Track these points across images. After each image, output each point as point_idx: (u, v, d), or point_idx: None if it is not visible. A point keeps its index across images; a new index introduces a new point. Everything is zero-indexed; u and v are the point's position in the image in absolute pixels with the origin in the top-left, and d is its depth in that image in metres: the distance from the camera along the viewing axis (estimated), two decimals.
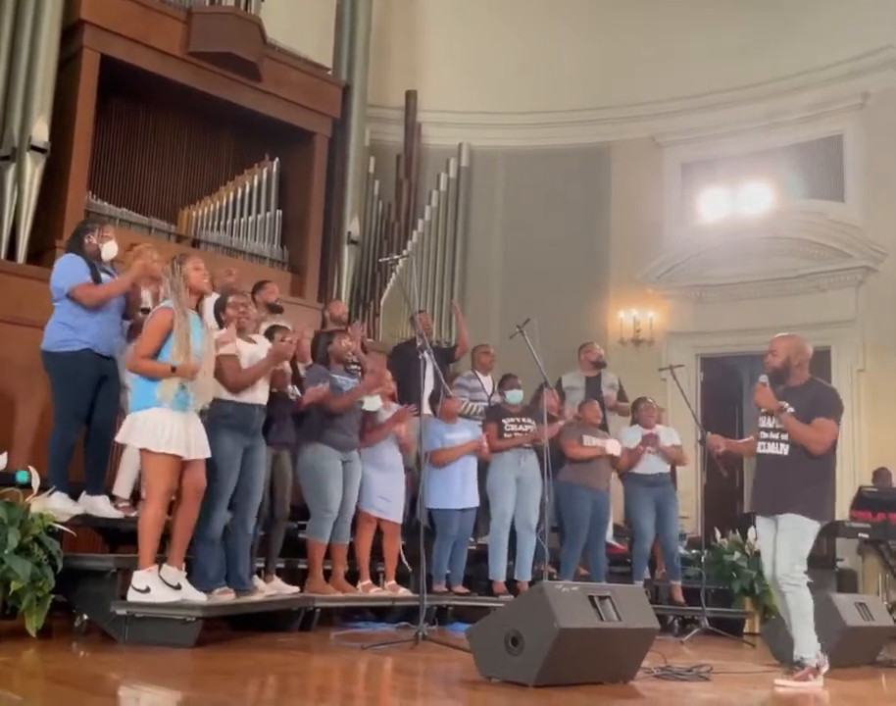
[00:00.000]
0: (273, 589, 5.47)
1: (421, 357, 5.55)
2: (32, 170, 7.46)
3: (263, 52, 8.82)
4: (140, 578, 4.47)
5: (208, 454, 4.70)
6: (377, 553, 6.36)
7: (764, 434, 4.80)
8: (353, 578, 6.13)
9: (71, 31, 7.83)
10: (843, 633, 5.11)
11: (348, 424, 5.96)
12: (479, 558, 6.94)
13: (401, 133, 11.05)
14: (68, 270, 5.11)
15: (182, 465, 4.56)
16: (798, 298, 9.83)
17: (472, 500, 6.68)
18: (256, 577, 5.45)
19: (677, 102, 10.58)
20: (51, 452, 5.01)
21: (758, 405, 4.82)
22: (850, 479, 9.27)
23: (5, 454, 4.50)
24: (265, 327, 5.72)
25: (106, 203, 8.25)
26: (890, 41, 9.69)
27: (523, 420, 6.91)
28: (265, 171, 9.29)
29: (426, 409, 6.62)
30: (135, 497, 5.40)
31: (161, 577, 4.53)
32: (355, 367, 6.59)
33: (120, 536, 5.56)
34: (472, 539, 6.87)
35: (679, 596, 7.36)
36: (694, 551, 7.79)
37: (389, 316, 10.10)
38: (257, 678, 3.86)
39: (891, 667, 5.33)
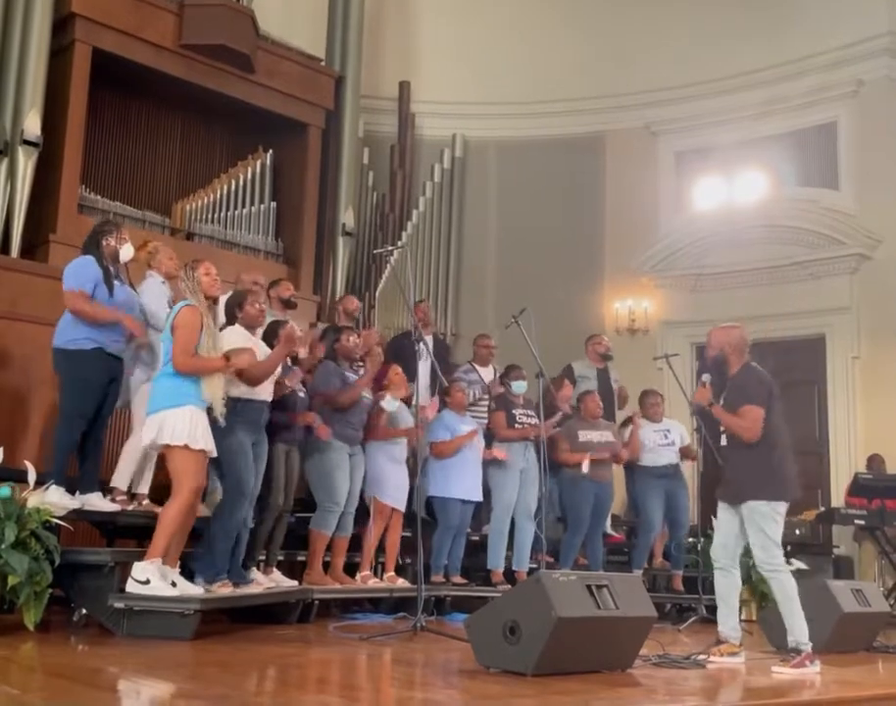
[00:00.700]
0: (271, 582, 5.48)
1: (417, 348, 5.55)
2: (25, 164, 7.44)
3: (256, 44, 8.80)
4: (141, 569, 4.47)
5: (215, 454, 4.72)
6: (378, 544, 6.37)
7: (721, 428, 4.91)
8: (350, 569, 6.14)
9: (62, 24, 7.80)
10: (839, 620, 5.14)
11: (355, 417, 5.98)
12: (477, 548, 6.95)
13: (395, 124, 11.03)
14: (78, 271, 5.09)
15: None
16: (793, 286, 9.85)
17: (476, 495, 6.68)
18: (255, 569, 5.47)
19: (671, 91, 10.57)
20: (57, 448, 5.00)
21: (695, 403, 5.01)
22: (845, 465, 9.31)
23: (0, 448, 4.49)
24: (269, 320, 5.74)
25: (99, 197, 8.23)
26: (884, 29, 9.70)
27: (529, 411, 6.91)
28: (258, 163, 9.27)
29: (424, 400, 6.63)
30: (130, 492, 5.40)
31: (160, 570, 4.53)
32: (360, 364, 6.61)
33: (117, 530, 5.56)
34: (469, 529, 6.87)
35: (680, 586, 7.38)
36: (691, 539, 7.81)
37: (385, 307, 10.09)
38: (256, 670, 3.87)
39: (887, 652, 5.36)
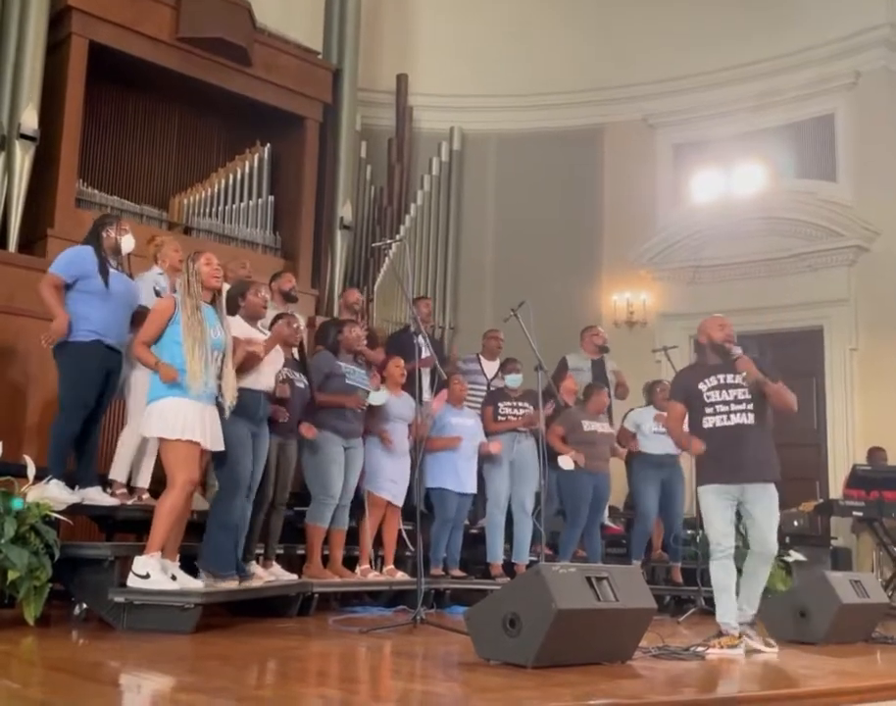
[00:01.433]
0: (271, 576, 5.49)
1: (415, 342, 5.56)
2: (22, 158, 7.42)
3: (253, 37, 8.77)
4: (142, 563, 4.47)
5: (221, 448, 4.71)
6: (376, 537, 6.37)
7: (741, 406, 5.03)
8: (350, 562, 6.14)
9: (58, 18, 7.78)
10: (838, 611, 5.14)
11: (352, 411, 5.97)
12: (477, 541, 6.96)
13: (392, 117, 11.02)
14: (66, 257, 5.11)
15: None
16: (790, 278, 9.85)
17: (471, 487, 6.70)
18: (255, 563, 5.47)
19: (669, 83, 10.56)
20: (53, 441, 5.00)
21: (753, 377, 4.91)
22: (843, 457, 9.32)
23: (0, 443, 4.49)
24: (272, 314, 5.75)
25: (97, 191, 8.21)
26: (881, 20, 9.69)
27: (520, 404, 6.92)
28: (256, 156, 9.25)
29: (425, 394, 6.64)
30: (129, 486, 5.41)
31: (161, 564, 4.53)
32: (362, 358, 6.62)
33: (116, 525, 5.56)
34: (467, 522, 6.88)
35: (678, 577, 7.40)
36: (690, 531, 7.82)
37: (383, 301, 10.09)
38: (256, 663, 3.87)
39: (886, 643, 5.36)
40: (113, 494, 5.25)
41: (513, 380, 6.95)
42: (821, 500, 8.98)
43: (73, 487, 4.98)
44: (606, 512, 7.60)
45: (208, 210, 8.87)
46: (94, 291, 5.05)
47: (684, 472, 7.53)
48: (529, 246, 10.72)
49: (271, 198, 9.28)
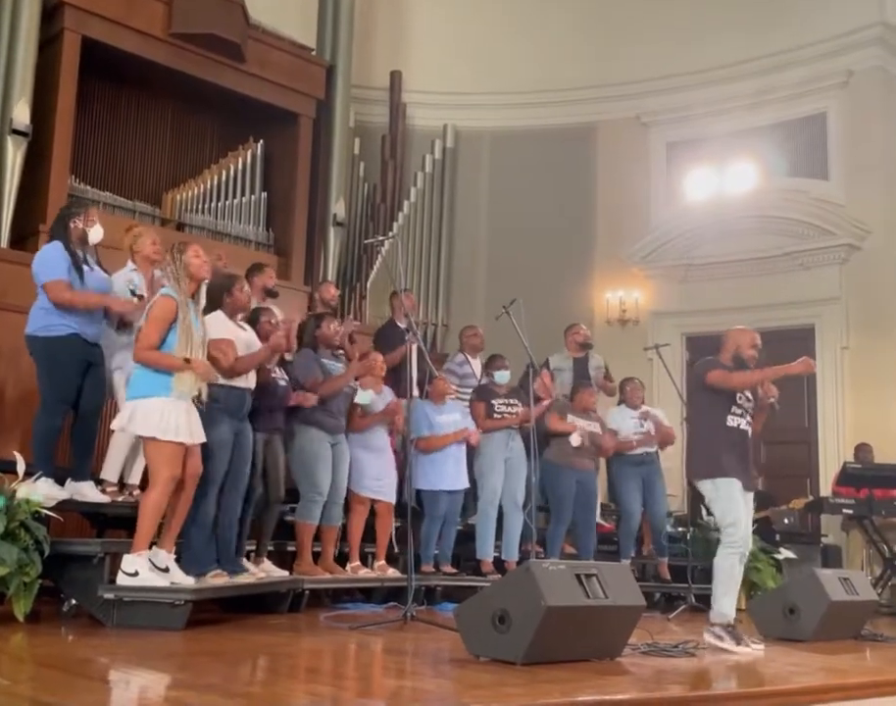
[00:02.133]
0: (262, 572, 5.49)
1: (407, 338, 5.55)
2: (14, 154, 7.41)
3: (246, 33, 8.77)
4: (130, 561, 4.47)
5: (204, 440, 4.70)
6: (370, 534, 6.37)
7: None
8: (341, 559, 6.15)
9: (51, 13, 7.77)
10: (827, 608, 5.16)
11: (337, 407, 5.96)
12: (467, 538, 6.96)
13: (386, 114, 11.01)
14: (48, 260, 5.02)
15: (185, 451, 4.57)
16: (782, 276, 9.88)
17: (462, 482, 6.70)
18: (245, 559, 5.47)
19: (663, 81, 10.57)
20: (36, 437, 4.98)
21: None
22: (834, 455, 9.36)
23: None
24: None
25: (89, 187, 8.20)
26: (874, 19, 9.71)
27: (511, 401, 6.92)
28: (249, 153, 9.25)
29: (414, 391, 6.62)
30: (121, 483, 5.40)
31: (150, 559, 4.52)
32: (341, 352, 6.59)
33: (107, 521, 5.56)
34: (458, 519, 6.89)
35: (666, 573, 7.42)
36: (680, 529, 7.85)
37: (376, 298, 10.08)
38: (247, 659, 3.88)
39: (875, 641, 5.39)
40: (104, 491, 5.24)
41: (501, 377, 6.95)
42: (811, 498, 9.02)
43: (62, 483, 4.97)
44: (598, 510, 7.60)
45: (201, 206, 8.86)
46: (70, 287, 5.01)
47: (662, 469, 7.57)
48: (522, 244, 10.73)
49: (264, 195, 9.27)
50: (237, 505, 5.18)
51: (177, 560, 4.73)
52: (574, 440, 6.94)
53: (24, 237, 7.50)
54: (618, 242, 10.60)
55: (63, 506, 4.85)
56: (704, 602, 6.74)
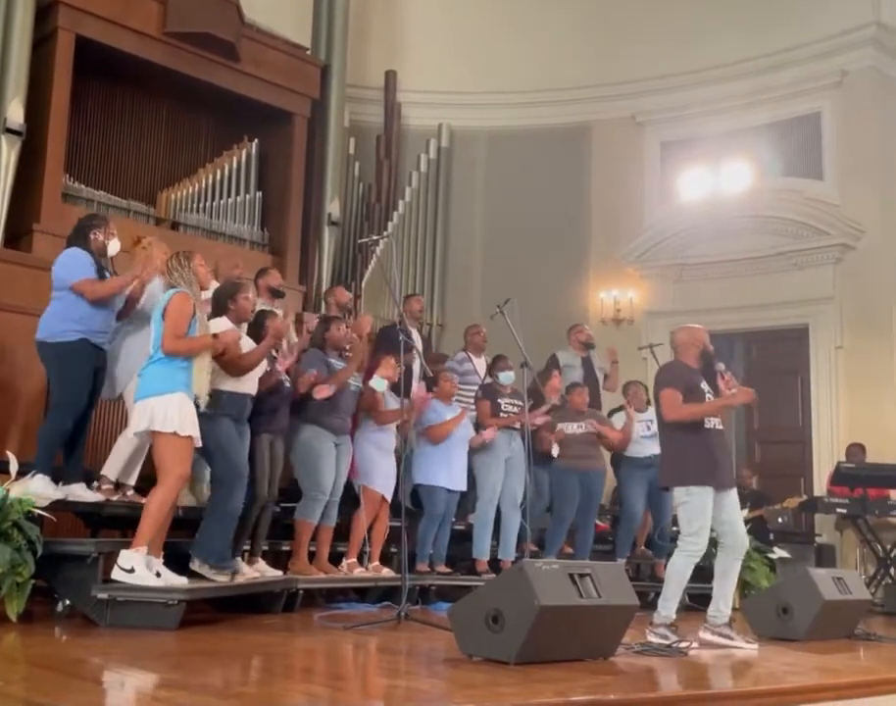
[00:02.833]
0: (256, 572, 5.49)
1: (401, 339, 5.56)
2: (8, 153, 7.39)
3: (241, 32, 8.75)
4: (127, 557, 4.46)
5: (199, 444, 4.72)
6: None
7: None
8: (335, 558, 6.15)
9: (45, 12, 7.75)
10: (821, 607, 5.17)
11: (343, 407, 5.97)
12: (463, 537, 6.96)
13: (381, 114, 11.01)
14: (74, 263, 5.08)
15: None
16: (777, 276, 9.89)
17: (461, 484, 6.70)
18: (240, 559, 5.47)
19: (658, 81, 10.58)
20: (44, 440, 4.98)
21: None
22: (828, 455, 9.38)
23: None
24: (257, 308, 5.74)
25: (83, 186, 8.18)
26: (868, 19, 9.73)
27: (515, 401, 6.93)
28: (244, 152, 9.24)
29: (412, 390, 6.63)
30: (116, 482, 5.39)
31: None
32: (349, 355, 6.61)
33: (101, 521, 5.55)
34: (453, 519, 6.89)
35: (662, 573, 7.41)
36: (675, 528, 7.84)
37: (371, 297, 10.08)
38: (241, 659, 3.88)
39: (868, 640, 5.40)
40: (99, 489, 5.24)
41: (506, 378, 6.95)
42: (805, 497, 9.03)
43: (57, 483, 4.97)
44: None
45: (195, 205, 8.84)
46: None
47: None
48: (517, 243, 10.73)
49: (258, 194, 9.26)
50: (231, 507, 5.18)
51: (180, 556, 4.74)
52: (554, 451, 6.97)
53: (17, 236, 7.48)
54: (612, 242, 10.61)
55: (56, 506, 4.84)
56: (698, 601, 6.78)
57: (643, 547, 7.68)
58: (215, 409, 4.86)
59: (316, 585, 5.93)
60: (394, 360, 6.30)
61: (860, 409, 9.37)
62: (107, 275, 5.18)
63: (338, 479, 5.96)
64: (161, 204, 8.76)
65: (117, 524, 5.61)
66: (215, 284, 5.62)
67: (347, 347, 6.22)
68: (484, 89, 10.94)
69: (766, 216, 10.04)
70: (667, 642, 4.58)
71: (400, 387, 6.01)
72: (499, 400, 6.89)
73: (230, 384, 5.04)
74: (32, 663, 3.56)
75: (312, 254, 9.50)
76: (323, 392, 5.71)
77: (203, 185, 8.93)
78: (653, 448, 7.40)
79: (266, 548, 5.86)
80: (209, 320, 4.99)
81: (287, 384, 5.63)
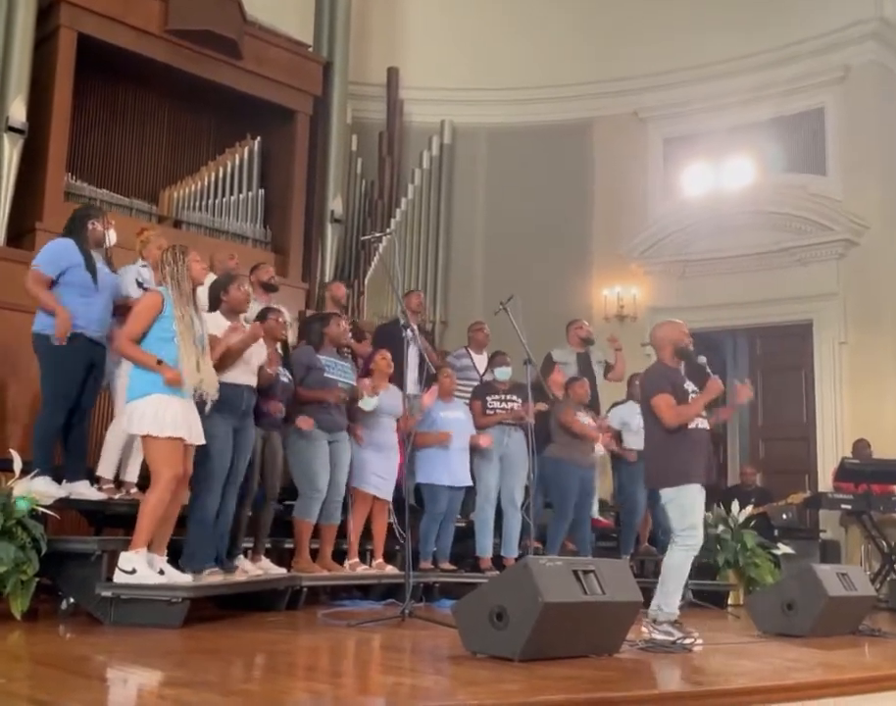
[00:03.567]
0: (259, 569, 5.49)
1: (404, 335, 5.55)
2: (10, 151, 7.40)
3: (243, 30, 8.75)
4: (127, 559, 4.45)
5: (203, 442, 4.70)
6: (367, 530, 6.37)
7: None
8: (338, 556, 6.14)
9: (47, 10, 7.75)
10: (826, 604, 5.16)
11: (335, 404, 5.96)
12: (466, 535, 6.96)
13: (383, 111, 11.00)
14: (51, 253, 5.06)
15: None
16: (780, 272, 9.87)
17: (464, 480, 6.69)
18: (242, 557, 5.47)
19: (660, 77, 10.56)
20: (37, 436, 4.98)
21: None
22: (832, 450, 9.36)
23: None
24: (257, 307, 5.73)
25: (86, 184, 8.18)
26: (871, 14, 9.71)
27: (509, 397, 6.91)
28: (246, 150, 9.23)
29: (413, 388, 6.62)
30: (117, 480, 5.39)
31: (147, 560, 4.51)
32: (347, 351, 6.61)
33: (105, 519, 5.55)
34: (458, 516, 6.88)
35: None
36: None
37: (374, 294, 10.08)
38: (245, 656, 3.88)
39: (873, 636, 5.39)
40: (100, 489, 5.24)
41: (502, 374, 6.95)
42: (809, 493, 9.02)
43: (60, 482, 4.97)
44: (596, 506, 7.61)
45: (198, 203, 8.84)
46: (77, 284, 5.01)
47: None
48: (520, 240, 10.72)
49: (261, 191, 9.26)
50: (233, 502, 5.17)
51: (176, 557, 4.72)
52: (598, 449, 6.98)
53: (20, 235, 7.49)
54: (615, 238, 10.59)
55: (60, 504, 4.84)
56: (701, 598, 6.79)
57: (647, 544, 7.67)
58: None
59: (319, 583, 5.92)
60: (387, 357, 6.30)
61: (864, 405, 9.36)
62: (99, 266, 5.13)
63: (338, 477, 5.92)
64: (163, 202, 8.76)
65: (120, 522, 5.60)
66: (212, 278, 5.59)
67: (344, 343, 6.21)
68: (487, 86, 10.93)
69: (769, 211, 10.02)
70: (671, 639, 4.57)
71: (402, 383, 6.00)
72: (487, 398, 6.89)
73: (227, 376, 4.98)
74: (37, 661, 3.56)
75: (314, 251, 9.49)
76: (304, 424, 5.69)
77: (205, 183, 8.93)
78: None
79: (269, 546, 5.86)
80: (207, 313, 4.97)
81: (284, 379, 5.60)
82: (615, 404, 7.83)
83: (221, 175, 9.03)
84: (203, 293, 5.12)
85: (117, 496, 5.30)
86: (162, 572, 4.53)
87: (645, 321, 10.38)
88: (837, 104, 9.88)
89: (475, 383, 7.45)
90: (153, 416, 4.46)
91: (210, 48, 8.51)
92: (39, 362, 5.08)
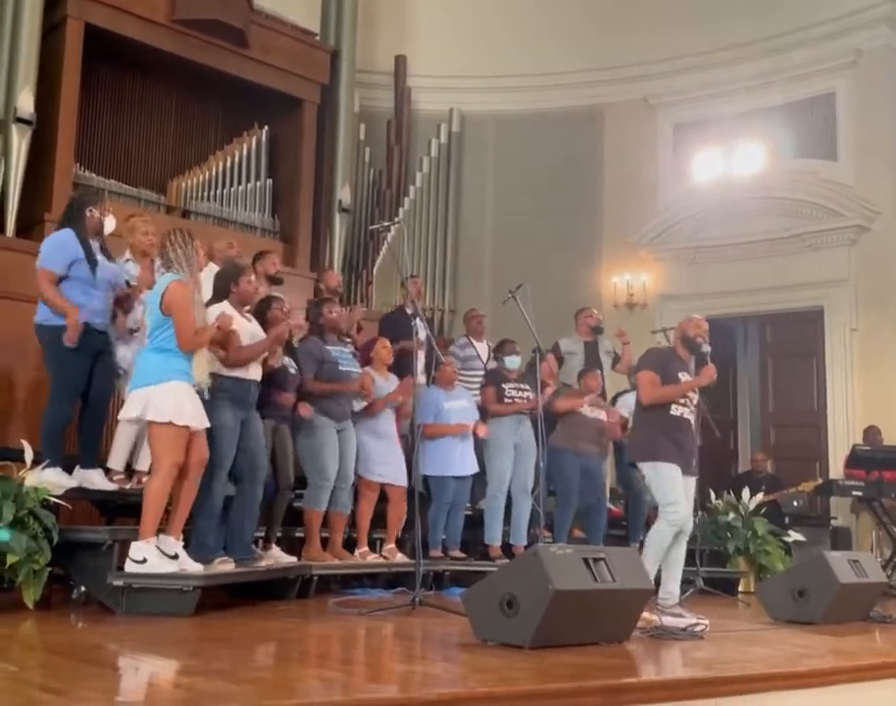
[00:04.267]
0: (270, 558, 5.50)
1: (413, 324, 5.54)
2: (19, 142, 7.40)
3: (250, 19, 8.73)
4: (138, 548, 4.47)
5: (208, 425, 4.70)
6: (381, 520, 6.37)
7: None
8: (349, 545, 6.15)
9: (54, 1, 7.74)
10: (837, 590, 5.15)
11: (343, 393, 5.95)
12: (476, 523, 6.96)
13: (391, 99, 10.97)
14: (54, 250, 5.02)
15: (189, 437, 4.57)
16: (791, 258, 9.82)
17: (471, 468, 6.69)
18: (254, 546, 5.48)
19: (669, 62, 10.51)
20: (45, 426, 4.98)
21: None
22: (843, 437, 9.33)
23: None
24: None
25: (94, 174, 8.19)
26: None
27: (522, 386, 6.90)
28: (254, 139, 9.22)
29: (420, 377, 6.62)
30: (129, 469, 5.41)
31: (158, 547, 4.52)
32: (349, 339, 6.59)
33: (116, 509, 5.57)
34: (467, 504, 6.88)
35: None
36: None
37: (382, 284, 10.07)
38: (256, 645, 3.88)
39: (884, 622, 5.38)
40: (111, 479, 5.25)
41: (512, 362, 6.94)
42: (820, 480, 8.99)
43: (70, 472, 4.98)
44: (607, 494, 7.59)
45: (206, 193, 8.85)
46: (79, 276, 4.99)
47: None
48: (529, 228, 10.69)
49: (269, 181, 9.25)
50: (257, 496, 5.18)
51: (185, 547, 4.73)
52: (587, 410, 6.96)
53: (29, 226, 7.50)
54: (625, 225, 10.55)
55: (71, 494, 4.85)
56: (712, 585, 6.78)
57: None
58: (213, 392, 4.81)
59: (330, 572, 5.93)
60: (388, 346, 6.29)
61: (875, 391, 9.32)
62: (98, 257, 5.12)
63: (346, 465, 5.92)
64: (171, 192, 8.77)
65: (131, 511, 5.61)
66: (211, 266, 5.57)
67: (344, 328, 6.20)
68: (495, 73, 10.88)
69: (779, 197, 9.96)
70: (681, 625, 4.57)
71: (403, 372, 5.98)
72: (504, 385, 6.87)
73: (234, 371, 4.99)
74: (49, 650, 3.58)
75: (323, 241, 9.49)
76: (304, 411, 5.69)
77: (213, 173, 8.93)
78: None
79: (280, 535, 5.87)
80: (207, 305, 4.94)
81: (292, 371, 5.60)
82: (619, 393, 7.81)
83: (228, 164, 9.02)
84: (203, 281, 5.08)
85: (128, 486, 5.31)
86: (176, 555, 4.54)
87: (655, 308, 10.37)
88: (849, 89, 9.81)
89: (481, 372, 7.43)
90: (174, 404, 4.46)
91: (217, 37, 8.50)
92: (44, 352, 5.09)
